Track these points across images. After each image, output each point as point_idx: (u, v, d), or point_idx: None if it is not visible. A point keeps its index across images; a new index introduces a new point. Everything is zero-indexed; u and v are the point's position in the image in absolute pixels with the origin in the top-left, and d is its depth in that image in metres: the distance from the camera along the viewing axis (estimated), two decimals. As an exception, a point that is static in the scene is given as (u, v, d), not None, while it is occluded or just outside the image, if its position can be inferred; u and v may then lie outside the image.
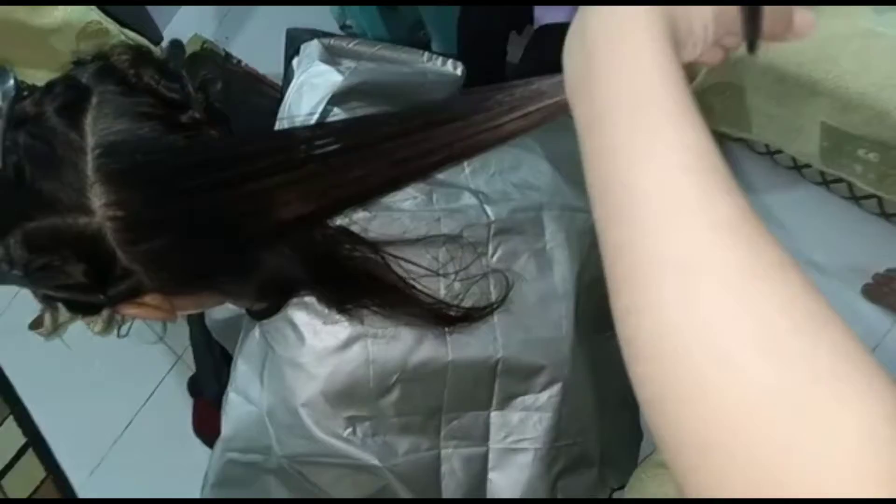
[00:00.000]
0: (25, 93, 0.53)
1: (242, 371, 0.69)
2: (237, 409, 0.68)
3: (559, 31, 1.41)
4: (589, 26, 0.36)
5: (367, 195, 0.50)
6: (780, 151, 1.51)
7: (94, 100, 0.51)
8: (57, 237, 0.50)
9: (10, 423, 2.05)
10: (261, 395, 0.66)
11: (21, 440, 2.02)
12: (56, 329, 2.03)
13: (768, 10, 0.37)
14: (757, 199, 1.59)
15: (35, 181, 0.49)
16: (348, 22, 1.99)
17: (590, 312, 0.83)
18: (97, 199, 0.49)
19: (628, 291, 0.30)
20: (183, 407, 1.77)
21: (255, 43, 2.20)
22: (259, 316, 0.66)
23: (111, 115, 0.50)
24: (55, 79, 0.53)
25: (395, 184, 0.49)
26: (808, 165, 1.46)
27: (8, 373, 2.13)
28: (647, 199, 0.30)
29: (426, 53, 0.92)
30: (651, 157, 0.30)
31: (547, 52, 1.41)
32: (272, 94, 2.02)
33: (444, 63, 0.92)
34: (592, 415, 0.81)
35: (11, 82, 0.53)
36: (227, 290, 0.62)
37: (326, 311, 0.64)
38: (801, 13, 0.39)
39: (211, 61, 2.21)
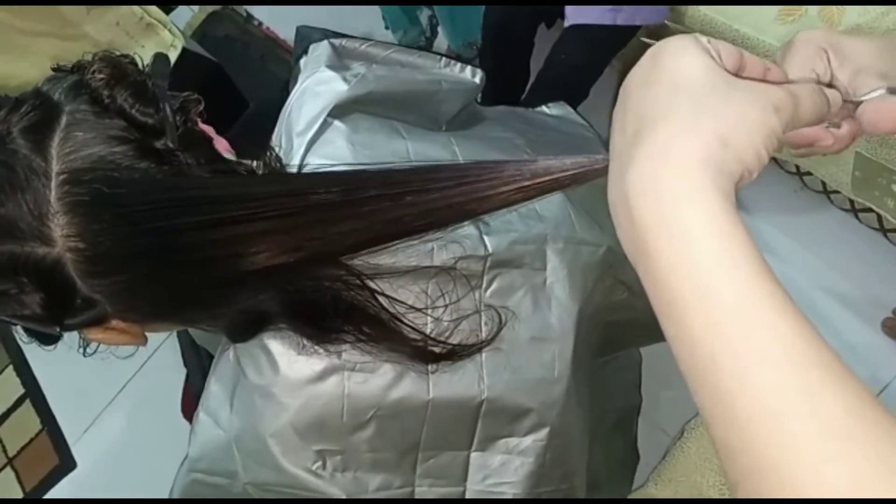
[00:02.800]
0: None
1: (214, 392, 0.66)
2: (206, 431, 0.66)
3: (590, 33, 1.34)
4: (631, 196, 0.31)
5: (345, 251, 0.47)
6: (809, 174, 1.44)
7: (64, 120, 0.47)
8: (14, 265, 0.47)
9: (10, 372, 2.06)
10: (230, 420, 0.64)
11: (20, 390, 2.03)
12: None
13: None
14: (782, 218, 1.53)
15: None
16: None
17: (592, 342, 0.79)
18: (59, 228, 0.45)
19: (747, 487, 0.28)
20: (177, 373, 1.76)
21: (277, 6, 2.14)
22: (234, 339, 0.63)
23: (80, 138, 0.47)
24: (26, 93, 0.49)
25: (376, 242, 0.45)
26: (837, 192, 1.40)
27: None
28: (752, 405, 0.27)
29: (443, 59, 0.87)
30: (746, 369, 0.27)
31: (574, 55, 1.36)
32: (287, 59, 1.98)
33: (462, 70, 0.88)
34: (581, 459, 0.77)
35: None
36: (196, 322, 0.58)
37: (304, 340, 0.60)
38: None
39: (232, 21, 2.16)
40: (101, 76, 0.48)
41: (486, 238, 0.69)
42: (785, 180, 1.55)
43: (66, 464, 1.93)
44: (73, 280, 0.47)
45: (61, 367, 2.00)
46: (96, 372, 1.95)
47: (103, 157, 0.46)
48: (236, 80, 1.51)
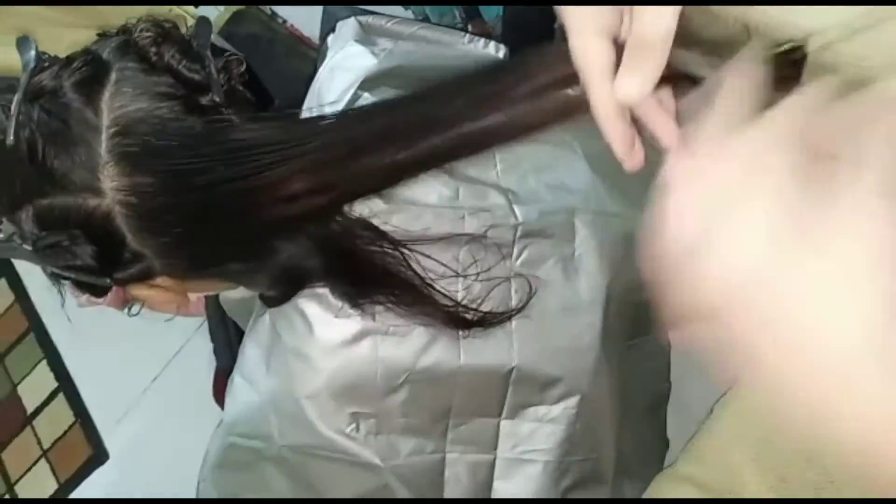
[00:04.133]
0: (46, 63, 0.51)
1: (250, 355, 0.67)
2: (242, 394, 0.67)
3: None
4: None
5: (381, 185, 0.48)
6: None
7: (114, 76, 0.49)
8: (67, 216, 0.48)
9: (43, 366, 2.09)
10: (266, 382, 0.65)
11: (53, 384, 2.06)
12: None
13: None
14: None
15: (47, 158, 0.48)
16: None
17: (621, 321, 0.79)
18: (109, 180, 0.47)
19: None
20: (208, 365, 1.79)
21: (301, 4, 2.17)
22: (270, 302, 0.65)
23: (129, 94, 0.48)
24: (75, 52, 0.51)
25: (410, 172, 0.46)
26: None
27: (44, 318, 2.17)
28: None
29: (467, 35, 0.88)
30: None
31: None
32: (312, 55, 2.00)
33: (486, 45, 0.89)
34: (610, 430, 0.77)
35: (33, 52, 0.51)
36: (238, 277, 0.60)
37: (338, 304, 0.62)
38: None
39: (256, 19, 2.19)
40: (149, 34, 0.50)
41: (515, 207, 0.69)
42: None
43: (99, 455, 1.96)
44: (122, 232, 0.48)
45: (93, 359, 2.03)
46: (128, 364, 1.98)
47: (151, 112, 0.48)
48: (261, 76, 1.54)
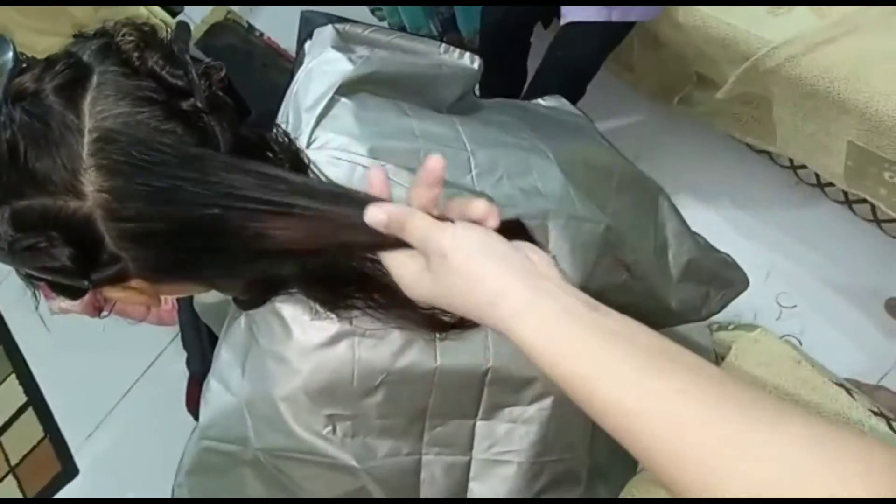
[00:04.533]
0: (24, 65, 0.51)
1: (225, 359, 0.67)
2: (217, 397, 0.67)
3: (585, 29, 1.38)
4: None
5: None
6: (803, 167, 1.47)
7: (95, 80, 0.49)
8: (46, 218, 0.48)
9: (13, 380, 2.06)
10: (241, 385, 0.65)
11: (22, 398, 2.03)
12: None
13: None
14: (778, 214, 1.55)
15: (28, 159, 0.47)
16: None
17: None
18: (90, 184, 0.47)
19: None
20: (180, 379, 1.77)
21: (278, 16, 2.17)
22: (245, 306, 0.65)
23: (111, 98, 0.48)
24: (56, 54, 0.51)
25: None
26: (831, 184, 1.42)
27: (13, 332, 2.14)
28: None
29: (443, 45, 0.89)
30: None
31: (569, 55, 1.38)
32: (288, 67, 2.00)
33: (461, 56, 0.90)
34: (583, 431, 0.78)
35: (10, 54, 0.51)
36: (213, 282, 0.60)
37: (316, 305, 0.62)
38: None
39: (234, 32, 2.19)
40: (131, 38, 0.50)
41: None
42: (779, 175, 1.58)
43: (69, 471, 1.94)
44: (101, 235, 0.48)
45: (63, 374, 2.01)
46: (98, 378, 1.96)
47: (133, 117, 0.48)
48: (238, 88, 1.54)
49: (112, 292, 0.54)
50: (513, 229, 0.49)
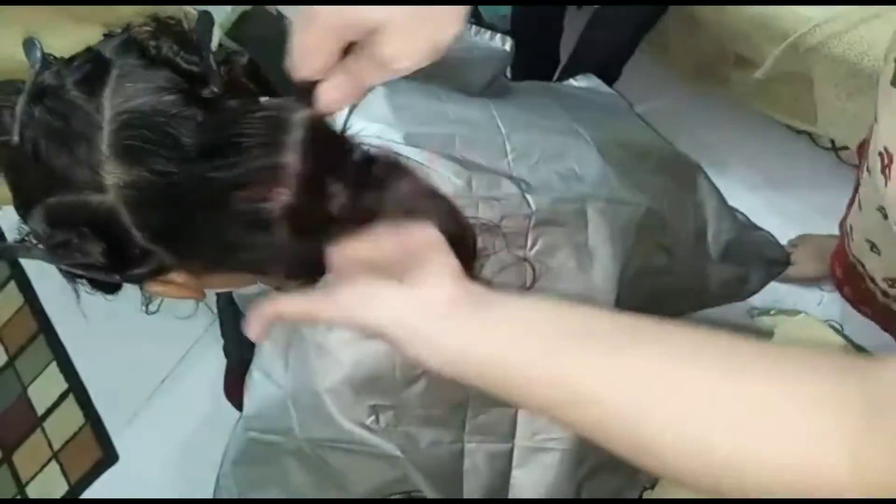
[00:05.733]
0: (53, 66, 0.52)
1: (267, 351, 0.67)
2: (260, 388, 0.67)
3: (621, 12, 1.35)
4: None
5: None
6: (845, 148, 1.43)
7: (115, 72, 0.49)
8: (74, 214, 0.48)
9: (54, 367, 2.10)
10: (284, 376, 0.65)
11: (63, 385, 2.07)
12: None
13: None
14: (818, 196, 1.52)
15: (50, 157, 0.48)
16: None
17: (629, 308, 0.79)
18: (110, 176, 0.47)
19: None
20: (217, 366, 1.79)
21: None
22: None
23: (130, 89, 0.48)
24: (78, 52, 0.51)
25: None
26: (874, 165, 1.39)
27: (54, 320, 2.18)
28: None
29: (473, 27, 0.88)
30: None
31: (605, 36, 1.36)
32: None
33: (492, 38, 0.89)
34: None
35: (39, 54, 0.51)
36: (253, 269, 0.60)
37: None
38: None
39: (263, 20, 2.20)
40: (147, 28, 0.50)
41: (528, 197, 0.70)
42: (820, 156, 1.54)
43: (109, 457, 1.97)
44: (127, 228, 0.48)
45: (103, 361, 2.04)
46: (137, 365, 1.99)
47: (153, 106, 0.48)
48: (271, 76, 1.55)
49: (154, 287, 0.54)
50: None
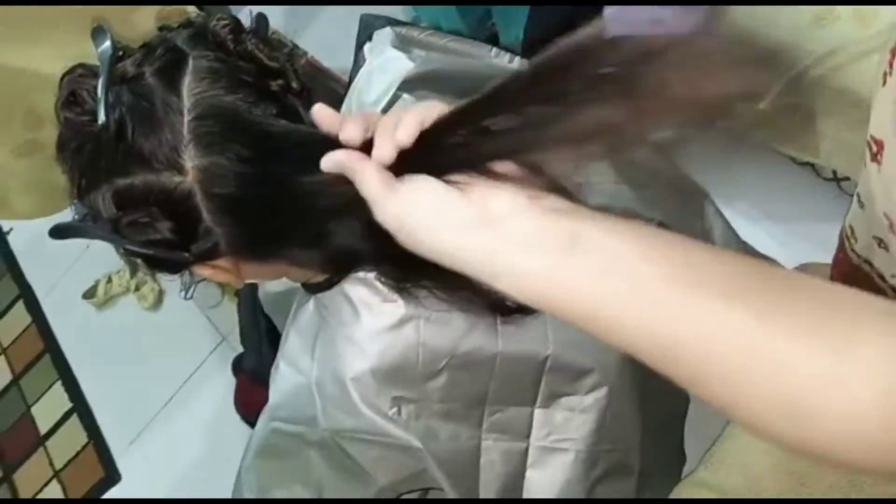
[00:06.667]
0: (121, 52, 0.55)
1: (294, 343, 0.70)
2: (286, 379, 0.69)
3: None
4: None
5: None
6: (847, 178, 1.47)
7: (191, 64, 0.52)
8: (148, 193, 0.52)
9: (58, 387, 2.11)
10: (311, 365, 0.67)
11: (67, 405, 2.07)
12: (108, 300, 2.09)
13: None
14: (820, 227, 1.55)
15: (136, 137, 0.51)
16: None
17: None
18: (190, 160, 0.50)
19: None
20: (223, 387, 1.80)
21: (322, 38, 2.23)
22: (315, 289, 0.67)
23: (207, 80, 0.52)
24: (153, 41, 0.55)
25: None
26: (875, 196, 1.42)
27: (60, 340, 2.19)
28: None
29: (493, 49, 0.93)
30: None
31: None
32: (333, 87, 2.06)
33: (510, 60, 0.93)
34: (635, 425, 0.79)
35: (108, 42, 0.55)
36: (295, 259, 0.62)
37: (383, 288, 0.64)
38: None
39: (278, 49, 2.26)
40: (226, 23, 0.54)
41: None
42: (822, 187, 1.57)
43: (111, 476, 1.96)
44: (199, 209, 0.52)
45: (108, 381, 2.05)
46: (141, 385, 2.00)
47: (228, 97, 0.51)
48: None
49: (202, 269, 0.57)
50: (456, 154, 0.44)
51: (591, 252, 0.38)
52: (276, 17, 2.34)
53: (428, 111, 0.44)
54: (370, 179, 0.44)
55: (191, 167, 0.50)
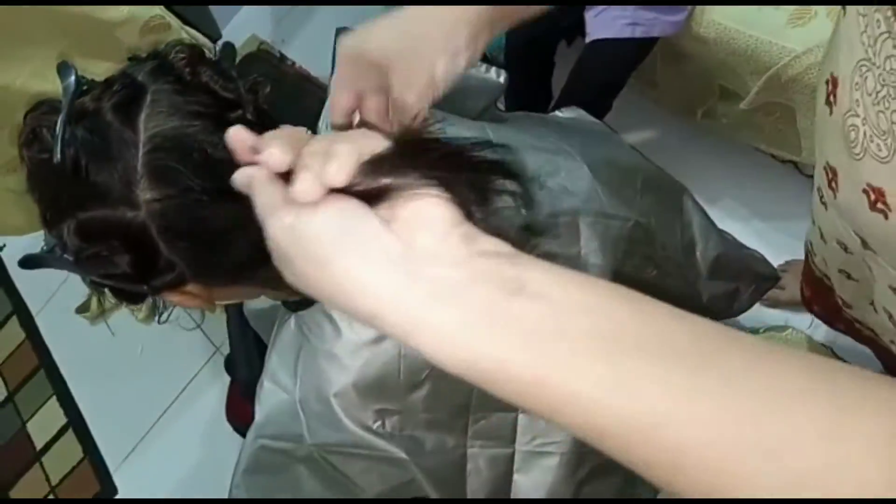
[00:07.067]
0: (86, 87, 0.55)
1: (277, 361, 0.70)
2: (271, 396, 0.70)
3: (610, 47, 1.40)
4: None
5: None
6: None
7: (149, 98, 0.53)
8: (106, 228, 0.52)
9: (53, 402, 2.11)
10: (294, 383, 0.68)
11: (62, 420, 2.08)
12: (101, 314, 2.09)
13: None
14: (805, 222, 1.56)
15: (90, 173, 0.51)
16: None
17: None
18: (143, 193, 0.51)
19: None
20: (217, 399, 1.81)
21: (310, 46, 2.24)
22: (295, 307, 0.68)
23: (164, 113, 0.52)
24: (113, 76, 0.55)
25: None
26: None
27: (55, 354, 2.20)
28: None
29: (482, 63, 0.93)
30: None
31: (596, 71, 1.42)
32: (320, 94, 2.06)
33: (487, 70, 0.94)
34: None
35: (73, 78, 0.55)
36: (266, 282, 0.63)
37: None
38: None
39: (266, 62, 2.26)
40: (183, 56, 0.55)
41: (522, 210, 0.73)
42: (805, 185, 1.59)
43: (107, 490, 1.97)
44: (156, 242, 0.52)
45: (103, 396, 2.06)
46: (136, 400, 2.00)
47: (184, 130, 0.52)
48: (272, 114, 1.60)
49: (171, 296, 0.58)
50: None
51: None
52: (265, 25, 2.35)
53: (365, 144, 0.36)
54: (261, 194, 0.36)
55: (144, 201, 0.51)
